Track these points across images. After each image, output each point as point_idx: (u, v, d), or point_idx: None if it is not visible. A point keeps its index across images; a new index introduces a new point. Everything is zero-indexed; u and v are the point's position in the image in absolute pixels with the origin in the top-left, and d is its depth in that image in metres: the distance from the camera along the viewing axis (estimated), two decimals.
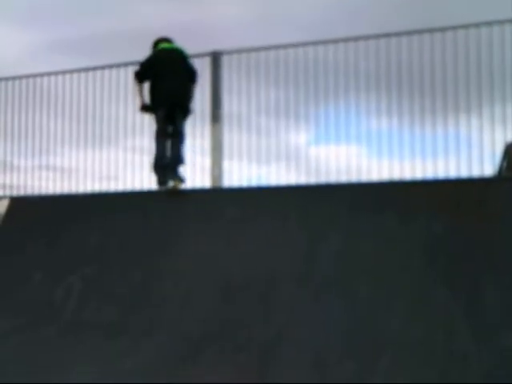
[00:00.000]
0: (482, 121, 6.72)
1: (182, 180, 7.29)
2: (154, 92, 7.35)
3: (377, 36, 7.11)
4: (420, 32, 6.94)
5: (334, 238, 6.13)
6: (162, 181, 7.26)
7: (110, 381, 5.15)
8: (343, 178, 7.17)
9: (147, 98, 7.41)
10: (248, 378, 5.08)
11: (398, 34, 7.02)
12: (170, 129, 7.37)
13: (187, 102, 7.45)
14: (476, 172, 6.67)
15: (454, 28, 6.79)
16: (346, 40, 7.23)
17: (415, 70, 6.94)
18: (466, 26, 6.73)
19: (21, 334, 6.20)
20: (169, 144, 7.33)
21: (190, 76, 7.50)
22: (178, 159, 7.35)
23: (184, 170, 7.43)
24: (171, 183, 7.17)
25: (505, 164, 6.75)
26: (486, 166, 6.67)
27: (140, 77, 7.42)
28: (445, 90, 6.83)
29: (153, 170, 7.39)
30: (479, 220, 5.75)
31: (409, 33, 6.97)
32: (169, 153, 7.33)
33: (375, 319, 5.35)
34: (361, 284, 5.65)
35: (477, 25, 6.69)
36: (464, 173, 6.71)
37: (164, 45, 7.54)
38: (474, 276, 5.42)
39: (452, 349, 4.97)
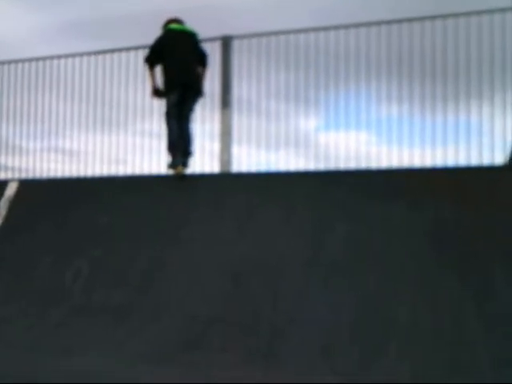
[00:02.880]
0: (494, 108, 6.67)
1: (185, 166, 7.25)
2: (165, 75, 7.29)
3: (388, 22, 7.05)
4: (432, 18, 6.88)
5: (343, 224, 6.13)
6: (171, 164, 7.24)
7: (119, 364, 5.16)
8: (352, 164, 7.14)
9: (159, 82, 7.38)
10: (255, 363, 5.09)
11: (409, 20, 6.96)
12: (178, 111, 7.30)
13: (199, 85, 7.36)
14: (487, 160, 6.63)
15: (467, 14, 6.72)
16: (356, 25, 7.18)
17: (427, 56, 6.88)
18: (480, 12, 6.66)
19: (29, 317, 6.23)
20: (178, 126, 7.29)
21: (201, 59, 7.42)
22: (189, 143, 7.32)
23: (191, 157, 7.40)
24: (176, 168, 7.17)
25: None
26: (497, 154, 6.62)
27: (150, 61, 7.33)
28: (456, 76, 6.78)
29: (168, 152, 7.36)
30: (489, 208, 5.74)
31: (421, 18, 6.91)
32: (179, 135, 7.29)
33: (383, 306, 5.35)
34: (369, 271, 5.65)
35: (491, 11, 6.62)
36: (474, 161, 6.67)
37: (174, 26, 7.44)
38: (483, 264, 5.41)
39: (461, 337, 4.96)
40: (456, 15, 6.79)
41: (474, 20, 6.69)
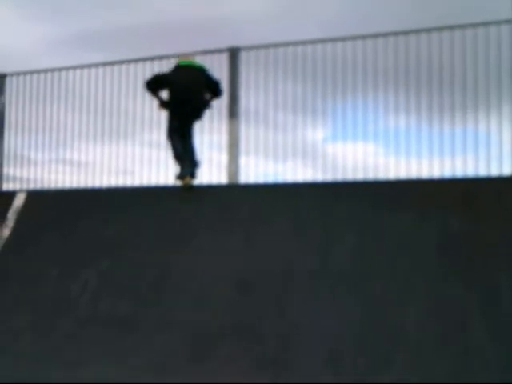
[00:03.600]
0: (502, 118, 6.66)
1: (192, 177, 7.29)
2: (169, 101, 7.43)
3: (395, 33, 7.06)
4: (439, 29, 6.89)
5: (350, 234, 6.13)
6: (179, 175, 7.27)
7: (125, 376, 5.16)
8: (360, 175, 7.13)
9: (164, 96, 7.44)
10: (263, 372, 5.09)
11: (417, 31, 6.97)
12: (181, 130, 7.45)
13: (199, 112, 7.46)
14: (495, 171, 6.61)
15: (474, 25, 6.73)
16: (364, 37, 7.20)
17: (434, 66, 6.89)
18: (487, 24, 6.66)
19: (36, 328, 6.23)
20: (181, 140, 7.39)
21: (214, 89, 7.48)
22: (193, 154, 7.37)
23: (199, 167, 7.42)
24: (184, 179, 7.22)
25: None
26: (505, 165, 6.60)
27: (149, 86, 7.46)
28: (464, 86, 6.78)
29: (175, 163, 7.44)
30: (496, 218, 5.73)
31: (428, 30, 6.92)
32: (184, 148, 7.36)
33: (390, 315, 5.35)
34: (376, 280, 5.66)
35: (498, 22, 6.63)
36: (482, 171, 6.65)
37: (182, 61, 7.55)
38: (489, 273, 5.41)
39: (467, 345, 4.96)
40: (463, 26, 6.80)
41: (481, 31, 6.70)
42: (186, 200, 7.14)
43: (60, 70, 8.85)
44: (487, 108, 6.70)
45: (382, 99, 7.20)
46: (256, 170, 7.71)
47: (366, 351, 5.11)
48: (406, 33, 7.02)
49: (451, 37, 6.84)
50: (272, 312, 5.70)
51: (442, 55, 6.85)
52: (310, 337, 5.37)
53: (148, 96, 7.62)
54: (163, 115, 7.65)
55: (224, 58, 7.79)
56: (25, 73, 9.04)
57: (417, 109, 7.03)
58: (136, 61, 8.29)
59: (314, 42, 7.46)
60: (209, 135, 7.81)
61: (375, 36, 7.16)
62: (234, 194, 7.21)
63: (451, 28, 6.85)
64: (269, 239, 6.36)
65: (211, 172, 7.74)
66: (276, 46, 7.62)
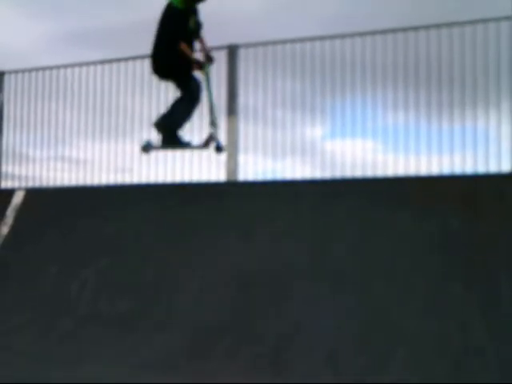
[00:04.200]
0: (501, 115, 6.67)
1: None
2: None
3: (394, 30, 7.05)
4: (438, 26, 6.88)
5: (349, 232, 6.12)
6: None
7: (125, 375, 5.15)
8: (358, 172, 7.13)
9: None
10: (262, 371, 5.09)
11: (415, 28, 6.97)
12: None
13: (171, 70, 6.94)
14: (493, 167, 6.61)
15: (473, 22, 6.73)
16: (362, 34, 7.19)
17: (433, 63, 6.89)
18: (486, 20, 6.66)
19: (35, 327, 6.23)
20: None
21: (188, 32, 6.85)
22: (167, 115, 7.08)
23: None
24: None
25: None
26: (504, 162, 6.60)
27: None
28: (463, 83, 6.78)
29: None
30: (495, 215, 5.72)
31: (427, 27, 6.91)
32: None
33: (389, 314, 5.34)
34: (375, 279, 5.64)
35: (498, 19, 6.63)
36: (481, 168, 6.65)
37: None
38: (489, 271, 5.39)
39: (467, 344, 4.95)
40: (462, 23, 6.79)
41: (480, 27, 6.69)
42: (184, 198, 7.14)
43: (59, 67, 8.85)
44: (486, 105, 6.70)
45: (380, 96, 7.21)
46: (255, 168, 7.72)
47: (366, 351, 5.10)
48: (404, 30, 7.01)
49: (450, 34, 6.84)
50: (271, 311, 5.69)
51: (440, 52, 6.85)
52: (310, 336, 5.35)
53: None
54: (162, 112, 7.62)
55: (222, 56, 7.77)
56: (23, 70, 9.04)
57: (415, 106, 7.03)
58: (134, 58, 8.28)
59: (312, 39, 7.45)
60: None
61: (373, 33, 7.15)
62: (233, 191, 7.20)
63: (450, 25, 6.84)
64: (268, 237, 6.36)
65: (210, 169, 7.73)
66: (274, 43, 7.61)
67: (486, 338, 4.94)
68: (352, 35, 7.23)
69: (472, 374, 4.70)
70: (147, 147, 7.19)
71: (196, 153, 7.57)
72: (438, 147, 6.89)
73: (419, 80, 6.96)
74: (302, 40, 7.51)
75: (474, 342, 4.95)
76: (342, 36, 7.27)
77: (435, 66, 6.88)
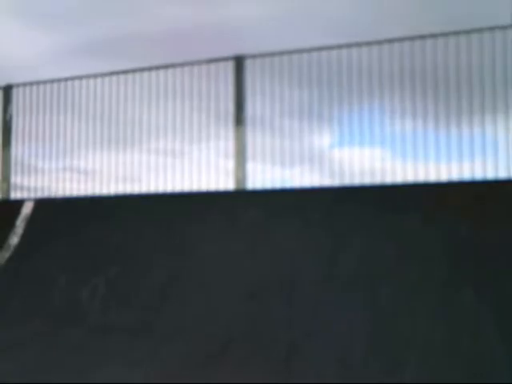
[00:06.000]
0: (509, 121, 6.67)
1: None
2: None
3: (401, 39, 7.08)
4: (445, 34, 6.92)
5: (358, 239, 6.12)
6: None
7: None
8: (367, 180, 7.14)
9: None
10: (273, 379, 5.06)
11: (422, 37, 7.00)
12: None
13: None
14: (503, 173, 6.60)
15: (480, 30, 6.76)
16: (369, 43, 7.22)
17: (440, 71, 6.91)
18: (492, 28, 6.70)
19: (44, 336, 6.22)
20: None
21: None
22: None
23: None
24: None
25: None
26: None
27: None
28: (470, 90, 6.79)
29: None
30: (504, 222, 5.71)
31: (434, 35, 6.95)
32: None
33: (399, 321, 5.33)
34: (385, 286, 5.63)
35: (504, 27, 6.66)
36: (490, 174, 6.64)
37: None
38: (499, 278, 5.38)
39: (478, 351, 4.93)
40: (468, 32, 6.82)
41: (487, 36, 6.72)
42: (193, 206, 7.15)
43: (66, 79, 8.90)
44: (494, 111, 6.71)
45: (388, 104, 7.22)
46: (263, 176, 7.72)
47: (377, 357, 5.09)
48: (411, 38, 7.04)
49: (457, 42, 6.86)
50: (281, 319, 5.69)
51: (447, 60, 6.87)
52: (321, 343, 5.34)
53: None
54: (169, 122, 7.66)
55: (229, 66, 7.82)
56: (31, 83, 9.09)
57: (423, 112, 7.04)
58: (141, 70, 8.33)
59: (319, 49, 7.48)
60: (215, 142, 7.83)
61: (380, 42, 7.18)
62: (242, 200, 7.21)
63: (456, 33, 6.87)
64: (277, 245, 6.36)
65: (218, 178, 7.76)
66: (281, 53, 7.65)
67: (497, 343, 4.92)
68: (359, 44, 7.26)
69: (483, 378, 4.68)
70: None
71: (204, 162, 7.59)
72: (447, 154, 6.89)
73: (427, 88, 6.98)
74: (308, 50, 7.54)
75: (485, 349, 4.93)
76: (349, 45, 7.30)
77: (442, 74, 6.90)
